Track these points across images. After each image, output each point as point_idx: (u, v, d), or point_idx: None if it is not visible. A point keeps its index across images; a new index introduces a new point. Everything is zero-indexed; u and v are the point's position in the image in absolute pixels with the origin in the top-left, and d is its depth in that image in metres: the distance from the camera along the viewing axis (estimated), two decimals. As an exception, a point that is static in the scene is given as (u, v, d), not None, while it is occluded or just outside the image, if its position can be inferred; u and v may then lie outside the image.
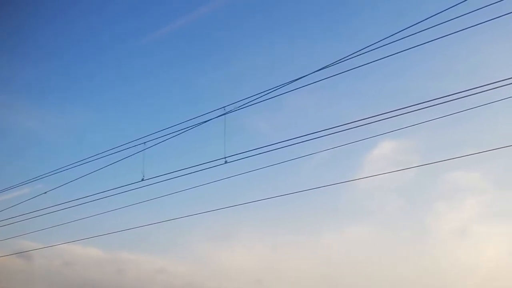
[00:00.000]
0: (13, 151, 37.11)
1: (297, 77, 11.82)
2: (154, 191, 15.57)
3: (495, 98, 9.88)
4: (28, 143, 38.66)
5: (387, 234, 33.54)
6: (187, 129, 13.89)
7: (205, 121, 13.61)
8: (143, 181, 14.82)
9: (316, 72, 11.44)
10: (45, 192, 17.46)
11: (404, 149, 32.49)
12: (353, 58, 10.85)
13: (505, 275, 27.50)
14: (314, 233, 33.97)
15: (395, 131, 11.42)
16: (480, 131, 28.32)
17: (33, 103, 38.50)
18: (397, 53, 10.22)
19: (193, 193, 15.19)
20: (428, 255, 31.24)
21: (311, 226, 33.94)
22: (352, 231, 34.47)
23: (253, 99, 12.43)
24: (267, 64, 35.85)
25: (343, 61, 10.86)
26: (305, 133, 12.19)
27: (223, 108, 13.08)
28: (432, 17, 9.65)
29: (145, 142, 14.72)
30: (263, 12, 36.10)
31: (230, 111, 13.05)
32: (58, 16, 37.16)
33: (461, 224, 33.77)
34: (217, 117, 13.28)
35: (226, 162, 13.15)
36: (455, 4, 9.37)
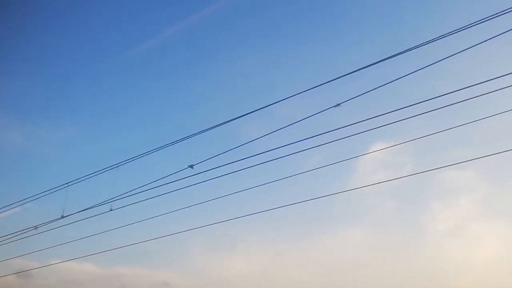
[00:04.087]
0: (2, 168, 36.54)
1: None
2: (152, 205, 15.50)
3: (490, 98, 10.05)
4: (17, 160, 38.08)
5: (382, 235, 33.82)
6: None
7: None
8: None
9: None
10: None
11: (395, 150, 32.76)
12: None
13: (499, 273, 27.82)
14: (311, 238, 34.11)
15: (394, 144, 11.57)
16: (471, 129, 28.61)
17: (20, 119, 38.13)
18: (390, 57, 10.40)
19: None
20: (424, 254, 31.55)
21: (308, 231, 34.09)
22: (348, 234, 34.68)
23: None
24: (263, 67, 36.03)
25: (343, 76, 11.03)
26: (298, 140, 12.29)
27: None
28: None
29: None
30: (260, 14, 36.34)
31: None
32: (46, 29, 37.05)
33: (455, 222, 34.16)
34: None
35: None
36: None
